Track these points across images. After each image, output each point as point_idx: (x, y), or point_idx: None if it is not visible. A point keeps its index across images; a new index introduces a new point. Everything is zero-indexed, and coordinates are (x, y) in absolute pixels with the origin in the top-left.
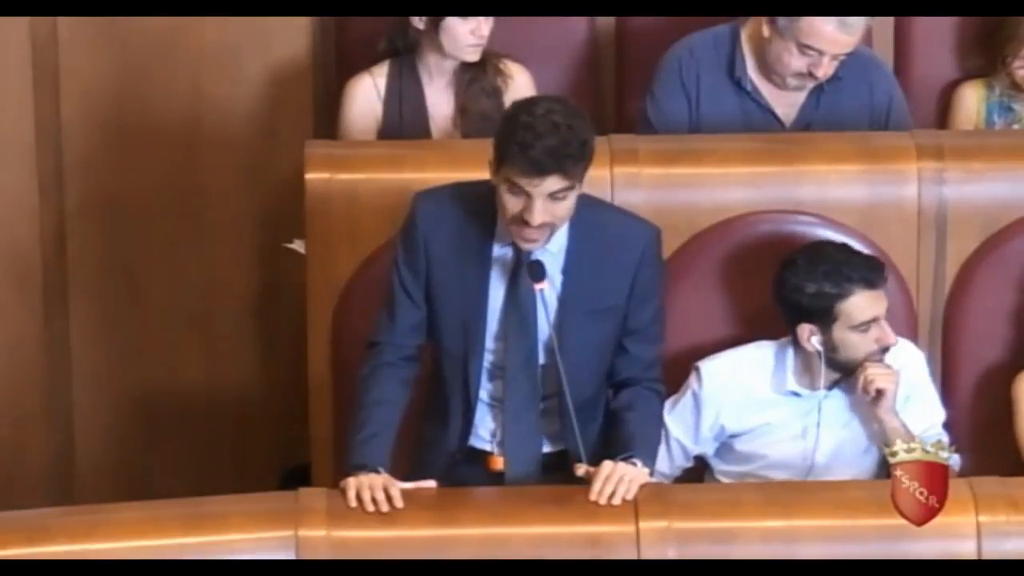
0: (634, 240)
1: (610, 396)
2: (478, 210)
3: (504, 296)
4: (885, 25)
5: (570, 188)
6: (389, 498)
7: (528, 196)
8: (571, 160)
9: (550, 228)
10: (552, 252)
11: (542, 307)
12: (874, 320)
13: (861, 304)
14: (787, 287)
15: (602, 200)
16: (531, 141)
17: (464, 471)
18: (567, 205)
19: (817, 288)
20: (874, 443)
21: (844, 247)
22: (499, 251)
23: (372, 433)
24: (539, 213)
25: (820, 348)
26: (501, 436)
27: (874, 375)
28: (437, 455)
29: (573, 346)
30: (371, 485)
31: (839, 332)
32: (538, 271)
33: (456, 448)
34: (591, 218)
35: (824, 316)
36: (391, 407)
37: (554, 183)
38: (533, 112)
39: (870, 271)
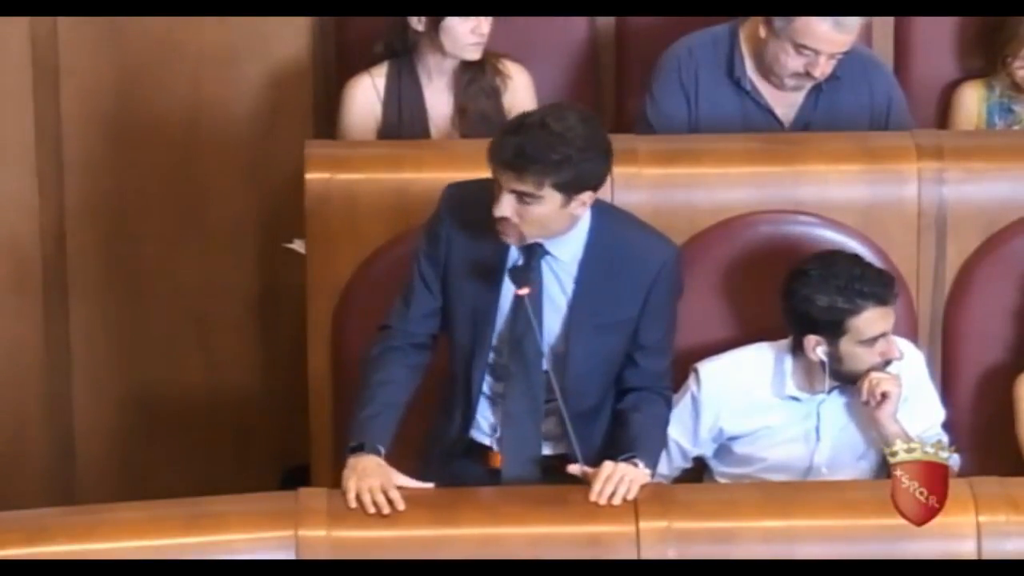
0: (652, 258)
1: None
2: None
3: (513, 299)
4: (885, 25)
5: (531, 196)
6: (389, 500)
7: (499, 186)
8: (534, 165)
9: (517, 229)
10: (564, 261)
11: (533, 313)
12: (882, 335)
13: (872, 320)
14: (797, 297)
15: (626, 213)
16: (511, 130)
17: (464, 466)
18: (537, 212)
19: (829, 302)
20: (872, 447)
21: (856, 259)
22: (516, 253)
23: (374, 412)
24: (503, 206)
25: (825, 359)
26: (501, 433)
27: (879, 379)
28: (439, 447)
29: (580, 356)
30: (371, 488)
31: (846, 345)
32: (520, 276)
33: (456, 439)
34: (610, 231)
35: (833, 329)
36: (396, 388)
37: (511, 180)
38: (540, 110)
39: (883, 287)
